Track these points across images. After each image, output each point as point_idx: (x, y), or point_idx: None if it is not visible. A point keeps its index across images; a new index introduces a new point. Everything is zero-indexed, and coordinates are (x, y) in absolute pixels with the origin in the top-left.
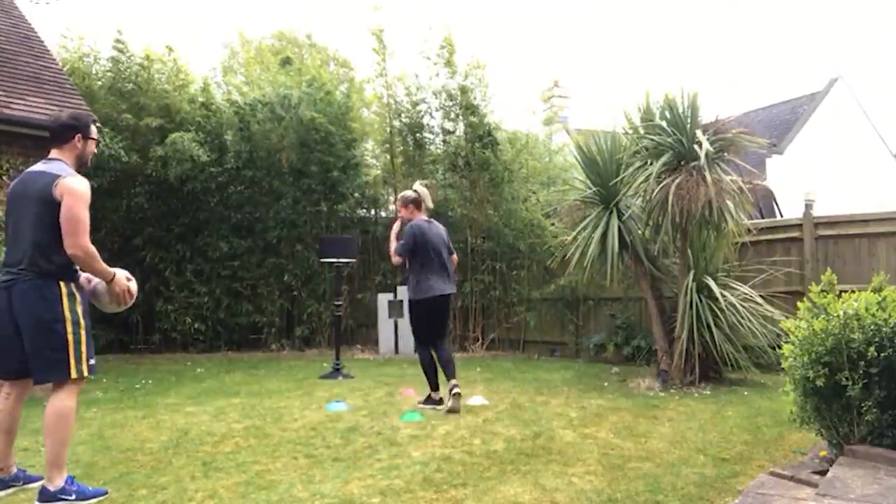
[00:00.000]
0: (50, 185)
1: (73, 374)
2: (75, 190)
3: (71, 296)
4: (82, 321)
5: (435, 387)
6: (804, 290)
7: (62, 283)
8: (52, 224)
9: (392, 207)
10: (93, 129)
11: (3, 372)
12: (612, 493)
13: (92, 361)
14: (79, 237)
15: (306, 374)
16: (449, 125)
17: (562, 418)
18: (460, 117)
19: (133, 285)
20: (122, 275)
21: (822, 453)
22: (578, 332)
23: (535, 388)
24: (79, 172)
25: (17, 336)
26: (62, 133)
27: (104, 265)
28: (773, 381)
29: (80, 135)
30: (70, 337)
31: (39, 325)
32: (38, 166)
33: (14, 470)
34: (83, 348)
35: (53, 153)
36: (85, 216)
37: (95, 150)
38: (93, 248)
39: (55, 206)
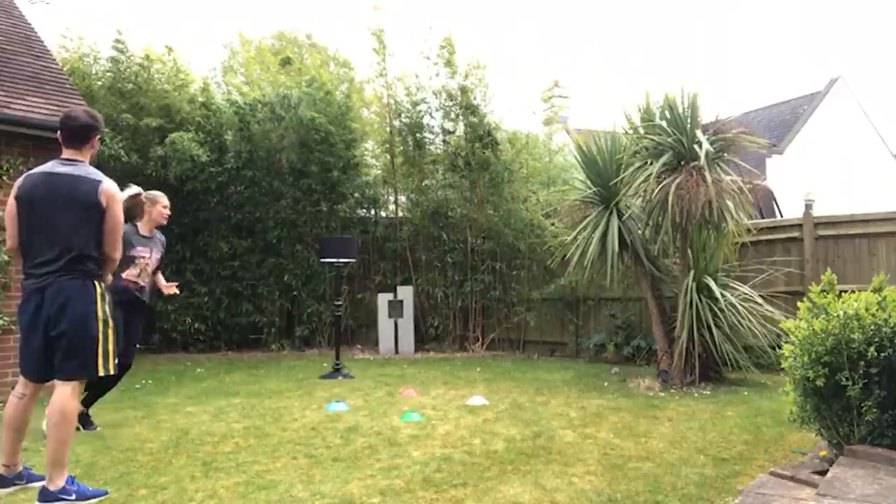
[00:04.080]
0: (95, 191)
1: (101, 372)
2: (118, 196)
3: (103, 296)
4: (110, 321)
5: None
6: (804, 290)
7: (97, 283)
8: (95, 227)
9: (392, 207)
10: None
11: (29, 373)
12: (612, 493)
13: (117, 360)
14: (119, 243)
15: (306, 374)
16: (449, 125)
17: (562, 418)
18: (460, 117)
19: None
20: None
21: (823, 453)
22: (578, 332)
23: (535, 388)
24: None
25: (45, 338)
26: (85, 133)
27: None
28: (773, 381)
29: (98, 135)
30: (100, 336)
31: (79, 323)
32: (63, 168)
33: (20, 468)
34: (111, 347)
35: (71, 153)
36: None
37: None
38: None
39: (101, 211)
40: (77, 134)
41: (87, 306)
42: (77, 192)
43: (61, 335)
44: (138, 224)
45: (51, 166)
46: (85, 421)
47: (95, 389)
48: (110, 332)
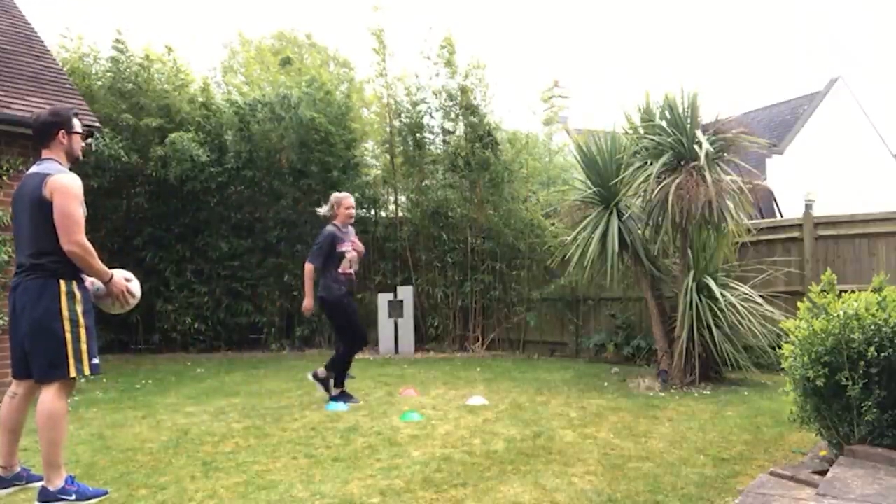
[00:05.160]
0: (39, 186)
1: (73, 373)
2: (64, 186)
3: (70, 294)
4: (81, 320)
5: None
6: (804, 290)
7: (62, 282)
8: (46, 224)
9: (392, 207)
10: (75, 122)
11: (15, 372)
12: (612, 493)
13: (95, 361)
14: (73, 234)
15: (306, 374)
16: (449, 125)
17: (562, 418)
18: (460, 117)
19: (134, 285)
20: (120, 275)
21: (823, 453)
22: (578, 332)
23: (535, 388)
24: (74, 168)
25: (18, 338)
26: (45, 131)
27: (101, 265)
28: (773, 381)
29: (63, 130)
30: (68, 336)
31: (36, 323)
32: (33, 168)
33: (18, 469)
34: (83, 347)
35: (44, 153)
36: (77, 212)
37: (84, 143)
38: (89, 245)
39: (47, 205)
40: (39, 133)
41: (48, 306)
42: (29, 189)
43: (24, 336)
44: (336, 223)
45: (31, 169)
46: (346, 397)
47: (337, 370)
48: (81, 331)
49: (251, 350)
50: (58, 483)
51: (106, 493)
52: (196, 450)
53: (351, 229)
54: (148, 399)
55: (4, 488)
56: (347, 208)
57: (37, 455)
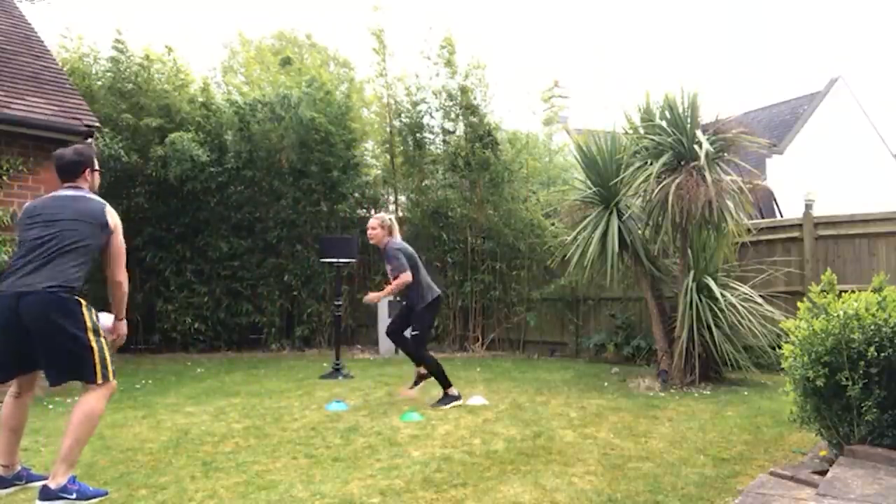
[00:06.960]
0: (103, 212)
1: (99, 379)
2: (120, 224)
3: (88, 307)
4: (101, 330)
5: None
6: (804, 290)
7: (77, 297)
8: (97, 247)
9: (392, 208)
10: (96, 160)
11: (17, 371)
12: (612, 493)
13: (112, 367)
14: (123, 266)
15: (306, 374)
16: (449, 125)
17: (562, 418)
18: (460, 117)
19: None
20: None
21: (823, 453)
22: (578, 332)
23: (535, 388)
24: None
25: (27, 340)
26: (74, 169)
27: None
28: (773, 381)
29: (88, 168)
30: (94, 344)
31: (65, 334)
32: (70, 192)
33: (18, 468)
34: (107, 354)
35: (71, 183)
36: None
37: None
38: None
39: (108, 232)
40: (66, 170)
41: (77, 320)
42: (88, 209)
43: (54, 349)
44: None
45: (59, 191)
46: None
47: (435, 374)
48: (103, 340)
49: (251, 350)
50: (61, 480)
51: (106, 493)
52: (196, 450)
53: (389, 250)
54: (148, 399)
55: (5, 488)
56: (366, 229)
57: (37, 455)
